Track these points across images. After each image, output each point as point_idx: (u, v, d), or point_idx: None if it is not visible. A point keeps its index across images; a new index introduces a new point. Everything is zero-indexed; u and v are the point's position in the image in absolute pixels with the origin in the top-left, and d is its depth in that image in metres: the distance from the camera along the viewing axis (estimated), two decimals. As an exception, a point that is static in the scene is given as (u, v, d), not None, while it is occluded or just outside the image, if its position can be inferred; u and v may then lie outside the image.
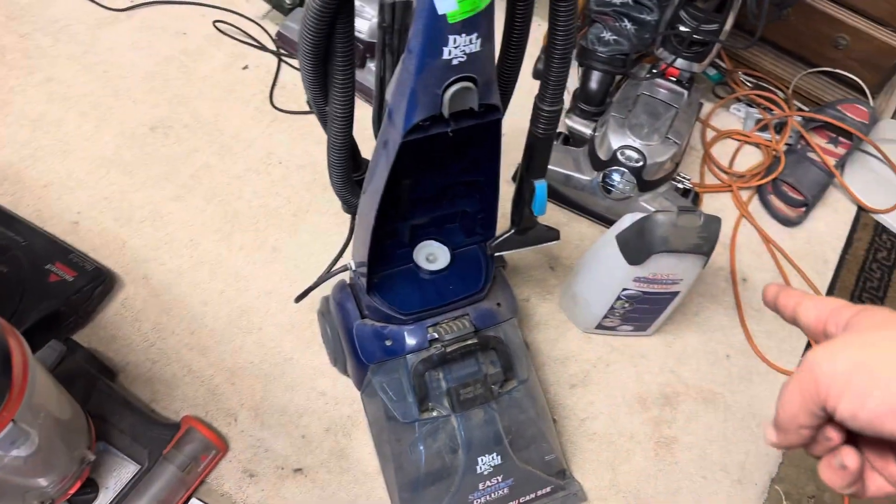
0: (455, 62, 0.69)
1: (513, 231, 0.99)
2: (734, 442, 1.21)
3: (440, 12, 0.65)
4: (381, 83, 0.84)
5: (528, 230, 0.99)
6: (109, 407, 1.04)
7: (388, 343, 1.00)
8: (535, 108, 0.84)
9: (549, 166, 1.33)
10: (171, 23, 1.57)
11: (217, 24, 1.58)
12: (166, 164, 1.37)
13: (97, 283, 1.17)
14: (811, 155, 1.48)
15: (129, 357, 1.16)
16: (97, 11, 1.57)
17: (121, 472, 1.02)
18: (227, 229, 1.31)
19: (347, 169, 0.91)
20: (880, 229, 1.49)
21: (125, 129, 1.40)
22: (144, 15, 1.58)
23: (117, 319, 1.20)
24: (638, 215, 1.05)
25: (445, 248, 1.05)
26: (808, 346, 1.31)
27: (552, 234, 1.01)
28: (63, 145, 1.37)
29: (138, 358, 1.17)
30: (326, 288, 1.13)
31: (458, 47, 0.68)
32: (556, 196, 1.40)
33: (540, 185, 0.91)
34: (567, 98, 1.50)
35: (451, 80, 0.71)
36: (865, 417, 0.42)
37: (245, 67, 1.53)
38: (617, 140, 1.28)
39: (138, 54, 1.52)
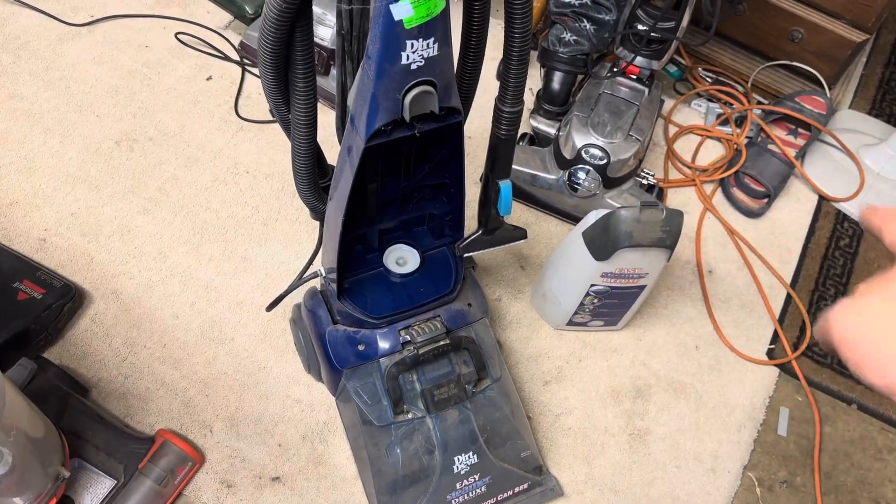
0: (413, 67, 0.71)
1: (480, 232, 1.00)
2: (706, 431, 1.23)
3: (396, 18, 0.66)
4: (343, 89, 0.85)
5: (495, 230, 1.00)
6: (83, 423, 1.04)
7: (360, 348, 1.01)
8: (497, 110, 0.86)
9: (516, 166, 1.36)
10: (133, 36, 1.57)
11: (179, 35, 1.57)
12: (133, 178, 1.36)
13: (66, 299, 1.16)
14: (772, 147, 1.52)
15: (101, 373, 1.16)
16: (58, 27, 1.56)
17: (96, 488, 1.02)
18: (196, 241, 1.31)
19: (313, 176, 0.92)
20: (841, 217, 1.52)
21: (90, 143, 1.40)
22: (106, 29, 1.57)
23: (88, 335, 1.19)
24: (602, 212, 1.07)
25: (415, 251, 1.06)
26: (776, 334, 1.34)
27: (519, 234, 1.03)
28: (28, 162, 1.36)
29: (110, 373, 1.16)
30: (298, 295, 1.13)
31: (415, 52, 0.69)
32: (523, 196, 1.42)
33: (505, 185, 0.92)
34: (531, 99, 1.52)
35: (411, 84, 0.72)
36: None
37: (209, 78, 1.53)
38: (581, 139, 1.30)
39: (101, 68, 1.51)
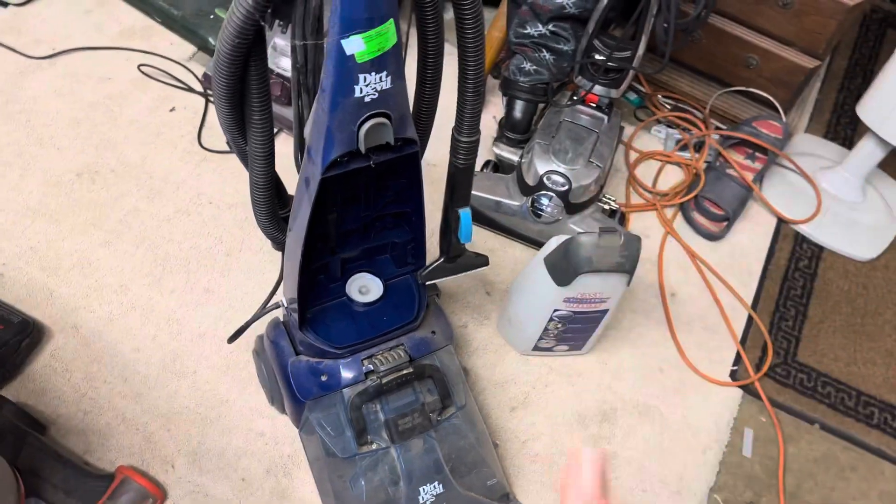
0: (367, 99, 0.71)
1: (442, 259, 1.01)
2: (672, 453, 1.23)
3: (348, 53, 0.67)
4: (300, 121, 0.86)
5: (457, 257, 1.01)
6: (40, 461, 1.02)
7: (323, 378, 1.01)
8: (454, 140, 0.87)
9: (480, 193, 1.37)
10: (94, 68, 1.56)
11: (142, 67, 1.57)
12: (94, 210, 1.35)
13: (24, 335, 1.14)
14: (730, 171, 1.54)
15: (60, 409, 1.14)
16: (18, 60, 1.55)
17: (54, 529, 1.00)
18: (158, 273, 1.30)
19: (272, 206, 0.92)
20: (800, 239, 1.55)
21: (50, 176, 1.38)
22: (67, 62, 1.57)
23: (47, 371, 1.17)
24: (563, 238, 1.08)
25: (377, 280, 1.06)
26: (738, 356, 1.35)
27: (481, 261, 1.03)
28: (-15, 196, 1.34)
29: (70, 410, 1.14)
30: (261, 326, 1.12)
31: (368, 85, 0.70)
32: (488, 222, 1.43)
33: (464, 213, 0.93)
34: (494, 126, 1.54)
35: (365, 116, 0.73)
36: None
37: (172, 109, 1.53)
38: (542, 165, 1.32)
39: (62, 101, 1.50)
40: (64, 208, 1.35)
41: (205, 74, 1.57)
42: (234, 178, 1.44)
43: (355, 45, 0.66)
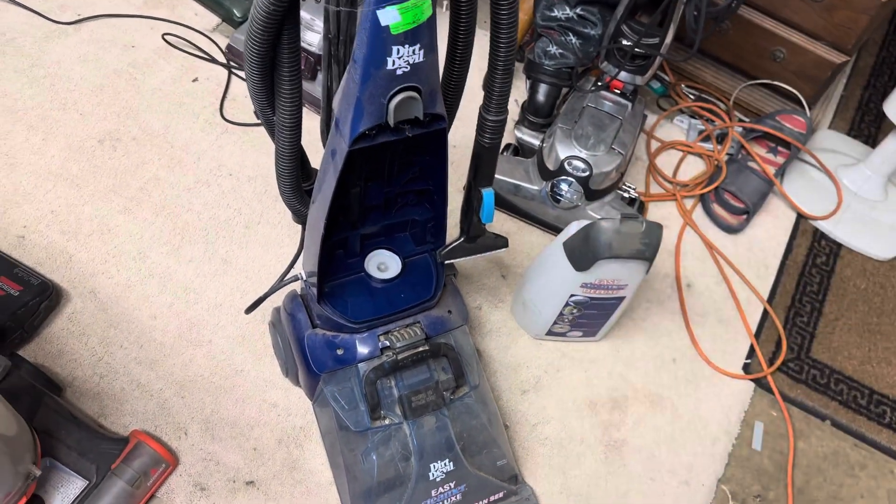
0: (399, 72, 0.71)
1: (462, 239, 1.01)
2: (681, 444, 1.23)
3: (383, 23, 0.66)
4: (328, 93, 0.86)
5: (477, 238, 1.01)
6: (56, 422, 1.03)
7: (339, 352, 1.01)
8: (481, 118, 0.86)
9: (500, 176, 1.37)
10: (119, 35, 1.56)
11: (166, 36, 1.57)
12: (114, 177, 1.36)
13: (43, 297, 1.15)
14: (752, 164, 1.53)
15: (76, 372, 1.15)
16: (44, 25, 1.55)
17: (68, 489, 1.01)
18: (177, 242, 1.30)
19: (296, 178, 0.92)
20: (819, 235, 1.54)
21: (73, 142, 1.39)
22: (92, 28, 1.57)
23: (64, 334, 1.18)
24: (583, 222, 1.08)
25: (396, 257, 1.06)
26: (752, 349, 1.35)
27: (500, 242, 1.03)
28: (9, 159, 1.35)
29: (85, 373, 1.15)
30: (278, 299, 1.13)
31: (401, 58, 0.70)
32: (506, 205, 1.42)
33: (487, 193, 0.93)
34: (516, 110, 1.53)
35: (396, 89, 0.73)
36: None
37: (195, 80, 1.53)
38: (564, 150, 1.31)
39: (86, 67, 1.50)
40: (85, 174, 1.35)
41: (228, 46, 1.56)
42: (255, 150, 1.44)
43: (391, 16, 0.66)
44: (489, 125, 0.86)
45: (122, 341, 1.19)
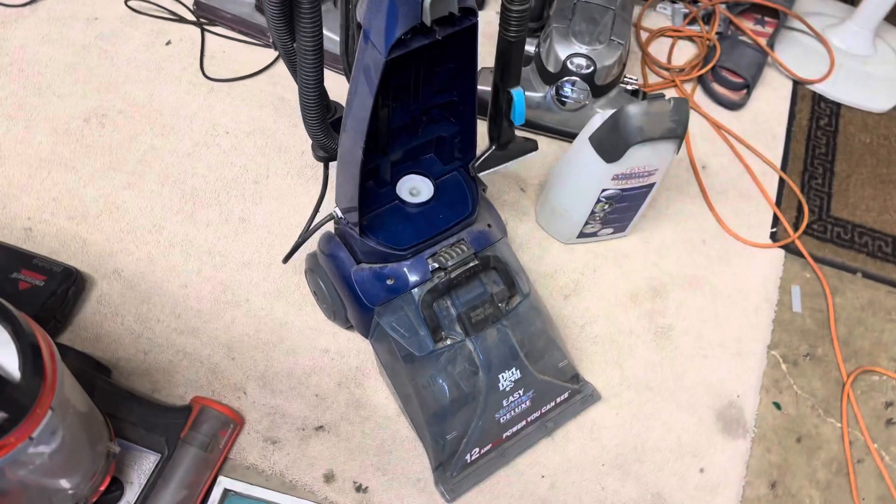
0: (432, -36, 0.68)
1: (493, 147, 0.99)
2: (726, 318, 1.25)
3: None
4: (347, 11, 0.82)
5: (507, 144, 0.99)
6: (114, 403, 1.01)
7: (390, 282, 1.00)
8: (504, 10, 0.83)
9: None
10: (79, 9, 1.49)
11: (129, 3, 1.50)
12: (110, 154, 1.31)
13: (70, 283, 1.11)
14: (743, 38, 1.53)
15: (118, 353, 1.12)
16: (-5, 11, 1.47)
17: (142, 465, 0.99)
18: (189, 208, 1.26)
19: (323, 109, 0.89)
20: (818, 98, 1.55)
21: (57, 125, 1.33)
22: (48, 6, 1.49)
23: (97, 318, 1.15)
24: (608, 113, 1.07)
25: (427, 180, 1.04)
26: (776, 218, 1.36)
27: (531, 145, 1.01)
28: (-7, 154, 1.29)
29: (128, 352, 1.12)
30: (309, 246, 1.11)
31: (434, -52, 0.67)
32: (510, 118, 1.40)
33: (517, 93, 0.91)
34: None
35: (431, -15, 0.70)
36: None
37: (168, 43, 1.46)
38: (564, 50, 1.29)
39: (52, 47, 1.43)
40: (78, 155, 1.30)
41: (196, 2, 1.50)
42: (246, 105, 1.39)
43: None
44: (514, 16, 0.83)
45: (158, 315, 1.16)
